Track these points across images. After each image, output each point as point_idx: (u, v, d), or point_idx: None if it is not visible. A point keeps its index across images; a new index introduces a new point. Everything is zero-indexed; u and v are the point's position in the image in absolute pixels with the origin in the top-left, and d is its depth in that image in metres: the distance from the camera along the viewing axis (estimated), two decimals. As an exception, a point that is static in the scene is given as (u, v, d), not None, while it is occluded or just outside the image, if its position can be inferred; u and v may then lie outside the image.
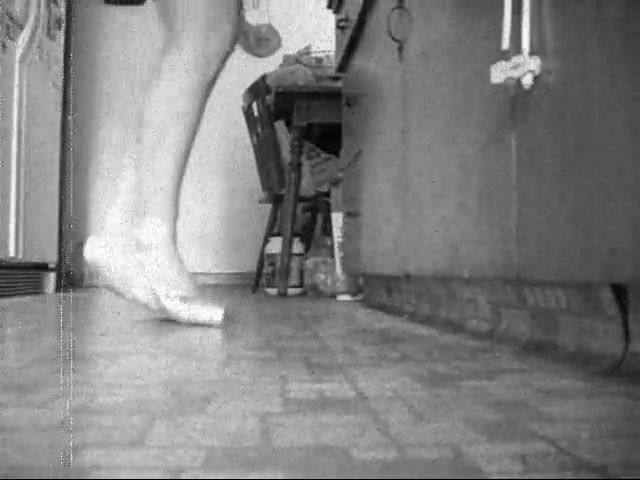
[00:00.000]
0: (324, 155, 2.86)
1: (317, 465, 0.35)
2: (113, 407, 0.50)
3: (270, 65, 2.98)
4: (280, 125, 2.87)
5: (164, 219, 1.23)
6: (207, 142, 3.48)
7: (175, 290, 1.20)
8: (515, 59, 0.75)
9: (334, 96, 2.35)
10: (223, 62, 1.28)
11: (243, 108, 2.91)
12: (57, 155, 2.82)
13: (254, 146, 3.03)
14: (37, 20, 2.42)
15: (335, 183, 2.43)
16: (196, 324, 1.19)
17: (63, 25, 2.83)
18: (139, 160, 1.27)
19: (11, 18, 2.23)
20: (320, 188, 2.79)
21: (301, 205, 3.01)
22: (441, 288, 1.24)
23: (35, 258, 2.50)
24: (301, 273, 2.62)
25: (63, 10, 2.82)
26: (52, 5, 2.62)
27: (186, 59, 1.24)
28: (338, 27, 2.05)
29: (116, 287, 1.27)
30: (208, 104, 1.36)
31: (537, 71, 0.73)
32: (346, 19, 1.93)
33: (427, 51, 1.17)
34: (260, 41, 1.90)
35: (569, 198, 0.67)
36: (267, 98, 2.71)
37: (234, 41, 1.29)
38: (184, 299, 1.20)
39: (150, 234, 1.22)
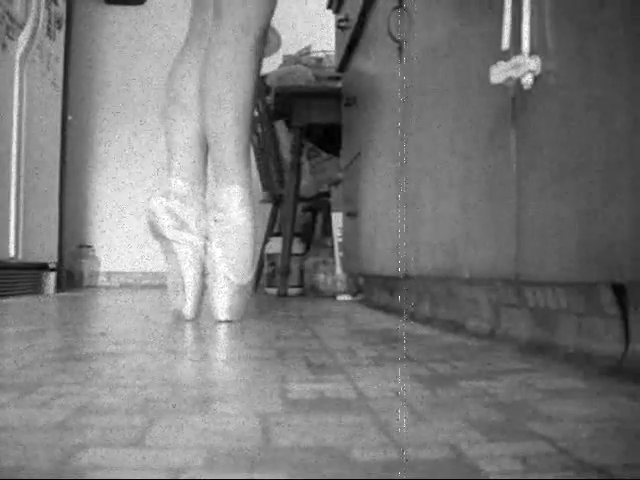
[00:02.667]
0: (324, 155, 2.86)
1: (317, 465, 0.35)
2: (113, 407, 0.50)
3: (270, 65, 2.98)
4: (280, 125, 2.87)
5: (244, 185, 1.27)
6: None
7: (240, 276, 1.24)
8: (515, 59, 0.75)
9: (334, 96, 2.35)
10: (267, 23, 1.29)
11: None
12: (57, 155, 2.82)
13: (254, 146, 3.03)
14: (37, 20, 2.42)
15: (335, 183, 2.43)
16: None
17: (63, 25, 2.83)
18: (208, 130, 1.28)
19: (11, 18, 2.23)
20: (320, 188, 2.79)
21: (301, 205, 3.01)
22: (441, 288, 1.24)
23: (35, 258, 2.50)
24: (301, 273, 2.62)
25: (63, 10, 2.82)
26: (52, 5, 2.62)
27: (230, 27, 1.25)
28: (338, 27, 2.05)
29: (167, 236, 1.28)
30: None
31: (537, 71, 0.73)
32: (346, 19, 1.93)
33: (427, 51, 1.17)
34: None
35: (569, 198, 0.67)
36: (267, 98, 2.71)
37: (267, 19, 1.30)
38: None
39: (233, 201, 1.24)
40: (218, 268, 1.24)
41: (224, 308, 1.24)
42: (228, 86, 1.25)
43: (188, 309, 1.29)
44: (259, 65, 1.31)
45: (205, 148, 1.37)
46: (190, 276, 1.28)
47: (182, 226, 1.28)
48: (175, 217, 1.28)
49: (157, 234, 1.29)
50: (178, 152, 1.35)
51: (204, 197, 1.35)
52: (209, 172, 1.35)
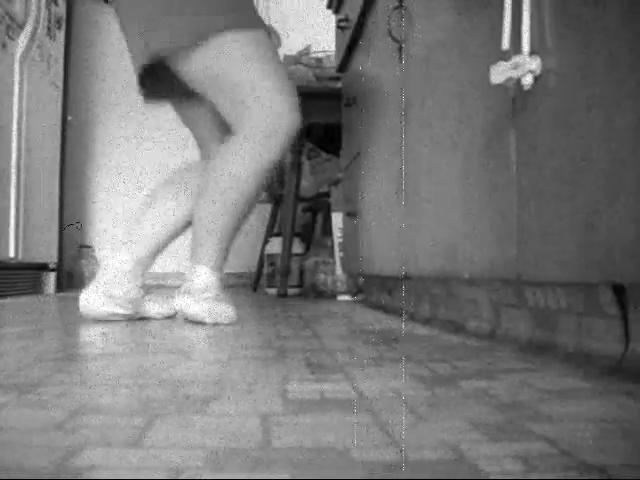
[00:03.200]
0: (324, 155, 2.86)
1: (318, 465, 0.35)
2: (113, 407, 0.50)
3: (270, 65, 2.97)
4: (280, 125, 2.86)
5: (214, 270, 1.29)
6: (207, 142, 3.47)
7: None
8: (515, 59, 0.75)
9: (334, 96, 2.35)
10: (284, 147, 1.30)
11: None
12: (57, 155, 2.82)
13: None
14: (37, 20, 2.42)
15: (335, 183, 2.43)
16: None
17: (63, 25, 2.83)
18: (196, 215, 1.32)
19: (11, 18, 2.23)
20: (320, 188, 2.79)
21: (301, 205, 3.00)
22: (441, 288, 1.24)
23: (35, 258, 2.50)
24: (301, 273, 2.62)
25: (63, 10, 2.82)
26: (52, 5, 2.62)
27: (247, 146, 1.27)
28: (338, 27, 2.05)
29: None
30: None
31: (537, 71, 0.73)
32: (346, 19, 1.93)
33: (427, 51, 1.16)
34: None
35: (569, 198, 0.67)
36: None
37: (298, 127, 1.32)
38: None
39: (201, 282, 1.27)
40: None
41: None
42: (227, 184, 1.28)
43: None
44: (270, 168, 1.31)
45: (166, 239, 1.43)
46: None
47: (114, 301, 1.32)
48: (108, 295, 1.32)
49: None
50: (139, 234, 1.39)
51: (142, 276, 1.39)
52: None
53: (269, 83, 1.26)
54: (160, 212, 1.38)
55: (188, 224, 1.41)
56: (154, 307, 1.37)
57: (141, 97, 1.43)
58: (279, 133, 1.27)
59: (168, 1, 1.25)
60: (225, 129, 1.40)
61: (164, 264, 3.52)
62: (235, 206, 1.29)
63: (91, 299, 1.28)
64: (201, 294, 1.26)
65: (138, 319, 1.34)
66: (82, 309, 1.28)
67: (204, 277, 1.28)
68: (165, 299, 1.41)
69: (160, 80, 1.40)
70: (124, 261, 1.33)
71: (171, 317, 1.39)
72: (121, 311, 1.29)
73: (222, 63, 1.26)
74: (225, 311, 1.24)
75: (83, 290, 1.31)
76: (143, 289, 1.36)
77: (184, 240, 1.54)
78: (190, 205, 1.39)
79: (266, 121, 1.26)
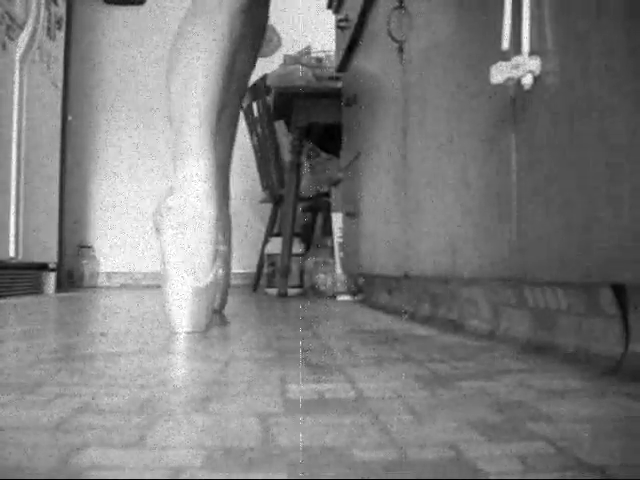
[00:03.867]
0: (324, 155, 2.86)
1: (317, 465, 0.35)
2: (113, 407, 0.50)
3: (270, 65, 2.98)
4: (280, 125, 2.87)
5: (200, 156, 1.09)
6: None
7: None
8: (515, 59, 0.75)
9: (334, 96, 2.35)
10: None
11: (242, 108, 2.92)
12: (57, 155, 2.82)
13: (254, 146, 3.03)
14: (37, 20, 2.42)
15: (335, 183, 2.43)
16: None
17: (63, 25, 2.83)
18: (170, 107, 1.15)
19: (11, 18, 2.23)
20: (320, 188, 2.79)
21: (301, 205, 3.01)
22: (441, 288, 1.24)
23: (35, 258, 2.50)
24: (301, 273, 2.62)
25: (63, 10, 2.82)
26: (52, 5, 2.63)
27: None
28: (338, 27, 2.05)
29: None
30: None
31: (537, 71, 0.73)
32: (346, 19, 1.93)
33: (427, 51, 1.17)
34: (260, 41, 1.90)
35: (569, 198, 0.67)
36: (267, 98, 2.71)
37: None
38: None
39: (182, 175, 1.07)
40: (170, 266, 1.04)
41: (180, 317, 1.05)
42: (186, 61, 1.13)
43: (217, 304, 1.43)
44: (234, 45, 1.19)
45: (229, 168, 1.44)
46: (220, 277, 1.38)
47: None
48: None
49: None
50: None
51: (229, 209, 1.44)
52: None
53: None
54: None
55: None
56: None
57: None
58: None
59: None
60: None
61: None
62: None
63: None
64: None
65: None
66: None
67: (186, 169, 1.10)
68: None
69: None
70: None
71: None
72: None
73: None
74: None
75: None
76: None
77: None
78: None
79: None
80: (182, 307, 1.03)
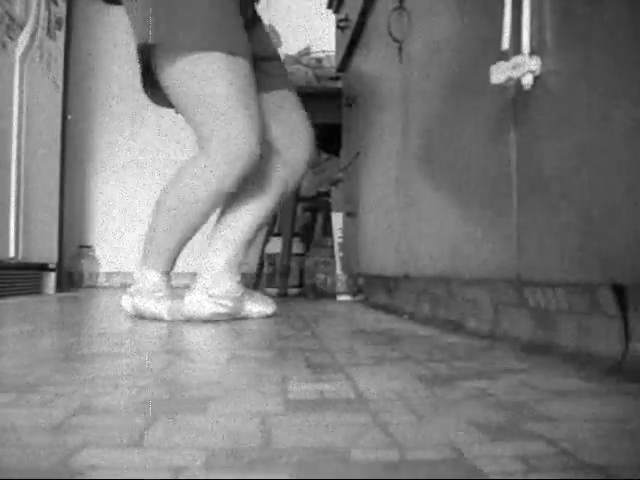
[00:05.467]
0: (324, 155, 2.86)
1: (318, 465, 0.35)
2: (113, 407, 0.50)
3: (270, 65, 2.97)
4: (280, 125, 2.87)
5: (161, 273, 1.40)
6: (207, 142, 3.47)
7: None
8: (515, 59, 0.75)
9: (334, 96, 2.35)
10: (241, 174, 1.32)
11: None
12: (57, 155, 2.82)
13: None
14: (37, 20, 2.42)
15: (335, 183, 2.43)
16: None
17: (63, 25, 2.83)
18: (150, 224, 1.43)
19: (11, 18, 2.23)
20: (320, 188, 2.79)
21: (301, 205, 3.01)
22: (441, 288, 1.24)
23: (35, 258, 2.50)
24: (301, 273, 2.62)
25: (63, 10, 2.82)
26: (52, 5, 2.62)
27: (209, 165, 1.31)
28: (338, 27, 2.05)
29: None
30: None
31: (537, 71, 0.73)
32: (346, 19, 1.93)
33: (427, 51, 1.16)
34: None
35: (569, 198, 0.67)
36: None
37: (257, 159, 1.33)
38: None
39: (144, 282, 1.40)
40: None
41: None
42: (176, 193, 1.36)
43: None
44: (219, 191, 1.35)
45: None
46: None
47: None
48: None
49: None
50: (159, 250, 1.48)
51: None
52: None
53: (238, 113, 1.29)
54: (239, 208, 1.46)
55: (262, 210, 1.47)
56: (257, 306, 1.42)
57: (146, 97, 1.47)
58: (237, 160, 1.30)
59: (173, 5, 1.28)
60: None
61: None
62: (187, 219, 1.38)
63: (196, 300, 1.33)
64: (153, 293, 1.38)
65: (240, 318, 1.38)
66: (187, 311, 1.33)
67: (152, 278, 1.40)
68: (264, 299, 1.45)
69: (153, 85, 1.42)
70: (221, 261, 1.40)
71: (271, 315, 1.43)
72: (224, 310, 1.34)
73: (204, 79, 1.28)
74: (182, 307, 1.33)
75: (186, 293, 1.37)
76: (242, 287, 1.42)
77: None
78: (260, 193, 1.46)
79: (228, 148, 1.29)
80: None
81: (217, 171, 1.31)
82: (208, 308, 1.32)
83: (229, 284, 1.37)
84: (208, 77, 1.28)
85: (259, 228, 1.47)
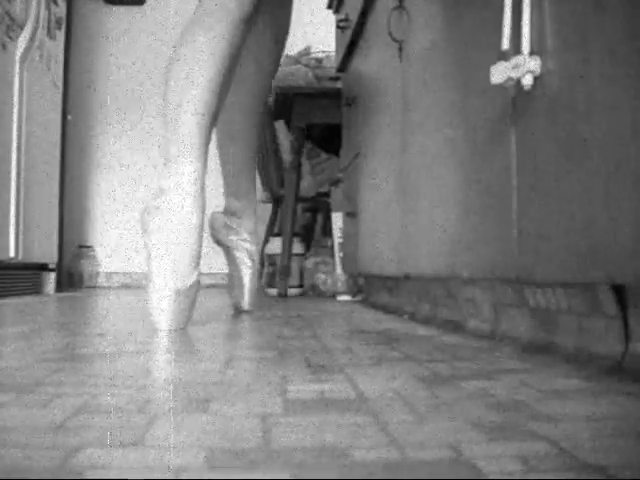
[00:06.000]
0: (324, 155, 2.86)
1: (318, 465, 0.35)
2: (113, 407, 0.50)
3: (270, 65, 2.97)
4: (280, 125, 2.87)
5: (192, 162, 1.11)
6: (207, 142, 3.47)
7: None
8: (515, 59, 0.75)
9: (334, 96, 2.35)
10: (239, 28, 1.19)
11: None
12: (57, 155, 2.82)
13: (254, 146, 3.02)
14: (37, 20, 2.42)
15: (335, 183, 2.43)
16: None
17: (63, 25, 2.83)
18: (164, 117, 1.16)
19: (11, 18, 2.23)
20: (320, 188, 2.79)
21: (301, 205, 3.01)
22: (441, 288, 1.24)
23: (35, 258, 2.50)
24: (301, 273, 2.62)
25: (63, 10, 2.82)
26: (52, 5, 2.62)
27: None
28: (338, 27, 2.05)
29: (226, 244, 1.51)
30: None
31: (537, 71, 0.73)
32: (346, 19, 1.93)
33: (427, 51, 1.16)
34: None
35: (569, 198, 0.67)
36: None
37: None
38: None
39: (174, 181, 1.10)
40: (152, 273, 1.07)
41: (162, 318, 1.08)
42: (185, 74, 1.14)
43: (245, 303, 1.51)
44: (235, 54, 1.20)
45: (254, 171, 1.56)
46: (247, 276, 1.50)
47: (238, 235, 1.50)
48: (231, 229, 1.50)
49: (219, 242, 1.50)
50: (230, 177, 1.54)
51: (255, 210, 1.56)
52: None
53: None
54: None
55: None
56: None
57: None
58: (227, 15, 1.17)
59: None
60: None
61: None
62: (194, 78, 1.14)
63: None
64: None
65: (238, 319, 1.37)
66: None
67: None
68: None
69: None
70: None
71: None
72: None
73: None
74: None
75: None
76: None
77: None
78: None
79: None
80: (163, 307, 1.06)
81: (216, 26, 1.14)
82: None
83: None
84: None
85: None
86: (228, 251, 1.52)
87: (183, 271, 1.07)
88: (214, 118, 1.19)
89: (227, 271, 1.57)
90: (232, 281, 1.54)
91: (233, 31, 1.19)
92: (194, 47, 1.16)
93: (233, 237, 1.50)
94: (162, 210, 1.06)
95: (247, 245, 1.51)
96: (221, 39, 1.17)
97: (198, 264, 1.11)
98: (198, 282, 1.12)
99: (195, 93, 1.14)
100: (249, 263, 1.51)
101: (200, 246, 1.11)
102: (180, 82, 1.14)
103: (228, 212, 1.53)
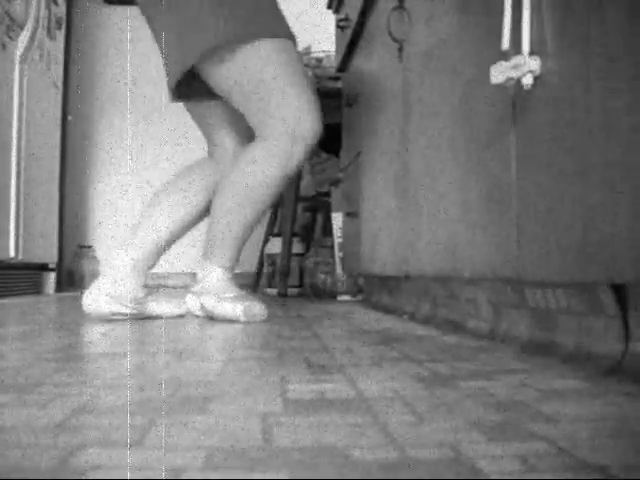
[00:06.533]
0: (324, 155, 2.86)
1: (317, 465, 0.35)
2: (113, 407, 0.50)
3: (270, 65, 2.97)
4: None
5: (227, 270, 1.35)
6: (207, 142, 3.47)
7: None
8: (515, 59, 0.75)
9: (334, 96, 2.35)
10: (305, 156, 1.33)
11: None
12: (57, 155, 2.82)
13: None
14: (37, 20, 2.42)
15: (335, 183, 2.43)
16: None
17: (63, 25, 2.83)
18: (215, 214, 1.36)
19: (11, 18, 2.23)
20: (320, 188, 2.79)
21: (301, 205, 3.00)
22: (441, 288, 1.24)
23: (35, 258, 2.50)
24: (301, 273, 2.62)
25: (63, 10, 2.82)
26: (52, 5, 2.62)
27: (272, 148, 1.30)
28: (338, 27, 2.05)
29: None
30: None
31: (537, 71, 0.73)
32: (346, 19, 1.93)
33: (427, 51, 1.17)
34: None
35: (569, 198, 0.67)
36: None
37: (320, 135, 1.34)
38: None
39: (216, 281, 1.33)
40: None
41: None
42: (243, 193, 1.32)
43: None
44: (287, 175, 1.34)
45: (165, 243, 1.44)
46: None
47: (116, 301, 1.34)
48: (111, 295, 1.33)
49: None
50: (140, 236, 1.40)
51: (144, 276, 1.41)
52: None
53: (296, 92, 1.30)
54: (164, 211, 1.40)
55: (192, 223, 1.44)
56: (161, 306, 1.39)
57: (170, 97, 1.44)
58: (302, 140, 1.31)
59: (210, 4, 1.27)
60: (243, 131, 1.44)
61: (164, 264, 3.52)
62: (254, 208, 1.33)
63: (94, 298, 1.29)
64: (223, 293, 1.30)
65: (144, 318, 1.35)
66: (86, 308, 1.30)
67: (218, 275, 1.33)
68: (173, 298, 1.43)
69: (188, 83, 1.40)
70: (126, 260, 1.34)
71: (182, 316, 1.40)
72: (125, 310, 1.31)
73: (257, 67, 1.29)
74: (258, 308, 1.30)
75: (86, 290, 1.32)
76: (146, 288, 1.37)
77: (186, 241, 1.56)
78: (196, 203, 1.42)
79: (292, 128, 1.29)
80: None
81: (281, 153, 1.29)
82: (110, 307, 1.29)
83: (132, 284, 1.33)
84: (272, 61, 1.29)
85: (176, 237, 1.42)
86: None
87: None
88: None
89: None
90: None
91: (283, 185, 1.37)
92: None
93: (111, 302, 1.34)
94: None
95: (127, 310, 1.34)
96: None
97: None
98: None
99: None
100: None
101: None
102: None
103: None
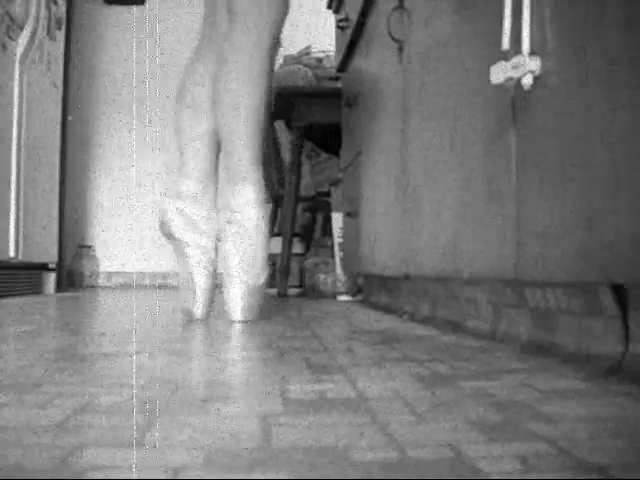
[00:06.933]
0: (324, 155, 2.86)
1: (317, 465, 0.35)
2: (113, 407, 0.50)
3: (270, 65, 2.97)
4: (280, 125, 2.87)
5: (255, 185, 1.29)
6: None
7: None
8: (515, 59, 0.75)
9: (334, 96, 2.35)
10: (282, 22, 1.32)
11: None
12: (57, 155, 2.82)
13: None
14: (37, 20, 2.42)
15: (335, 183, 2.43)
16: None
17: (63, 25, 2.83)
18: (222, 133, 1.31)
19: (11, 18, 2.23)
20: (320, 188, 2.79)
21: (301, 205, 3.01)
22: (441, 288, 1.24)
23: (35, 258, 2.50)
24: (301, 273, 2.62)
25: (63, 10, 2.82)
26: (52, 5, 2.62)
27: (245, 30, 1.27)
28: (338, 27, 2.05)
29: (177, 237, 1.33)
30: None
31: (537, 71, 0.73)
32: (346, 19, 1.93)
33: (427, 51, 1.17)
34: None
35: (569, 198, 0.67)
36: (267, 98, 2.70)
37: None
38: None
39: (245, 201, 1.27)
40: (232, 269, 1.26)
41: (238, 308, 1.26)
42: (243, 91, 1.27)
43: (198, 310, 1.32)
44: (272, 68, 1.34)
45: (216, 150, 1.40)
46: (200, 277, 1.31)
47: (193, 227, 1.33)
48: (186, 218, 1.33)
49: (168, 234, 1.34)
50: (190, 154, 1.37)
51: (215, 198, 1.38)
52: (220, 173, 1.39)
53: None
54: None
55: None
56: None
57: None
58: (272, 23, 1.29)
59: None
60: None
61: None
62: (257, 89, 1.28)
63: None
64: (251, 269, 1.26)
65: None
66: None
67: (249, 197, 1.28)
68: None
69: None
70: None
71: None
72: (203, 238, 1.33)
73: None
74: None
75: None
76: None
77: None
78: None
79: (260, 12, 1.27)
80: (239, 301, 1.26)
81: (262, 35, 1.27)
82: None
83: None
84: None
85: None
86: (178, 246, 1.33)
87: (256, 270, 1.28)
88: (263, 137, 1.33)
89: (176, 270, 1.49)
90: (182, 283, 1.34)
91: (271, 60, 1.33)
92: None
93: (189, 231, 1.32)
94: (234, 223, 1.27)
95: (202, 240, 1.32)
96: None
97: (267, 265, 1.32)
98: (265, 281, 1.32)
99: (248, 119, 1.29)
100: (203, 262, 1.32)
101: (269, 250, 1.33)
102: (228, 108, 1.29)
103: (183, 197, 1.34)
